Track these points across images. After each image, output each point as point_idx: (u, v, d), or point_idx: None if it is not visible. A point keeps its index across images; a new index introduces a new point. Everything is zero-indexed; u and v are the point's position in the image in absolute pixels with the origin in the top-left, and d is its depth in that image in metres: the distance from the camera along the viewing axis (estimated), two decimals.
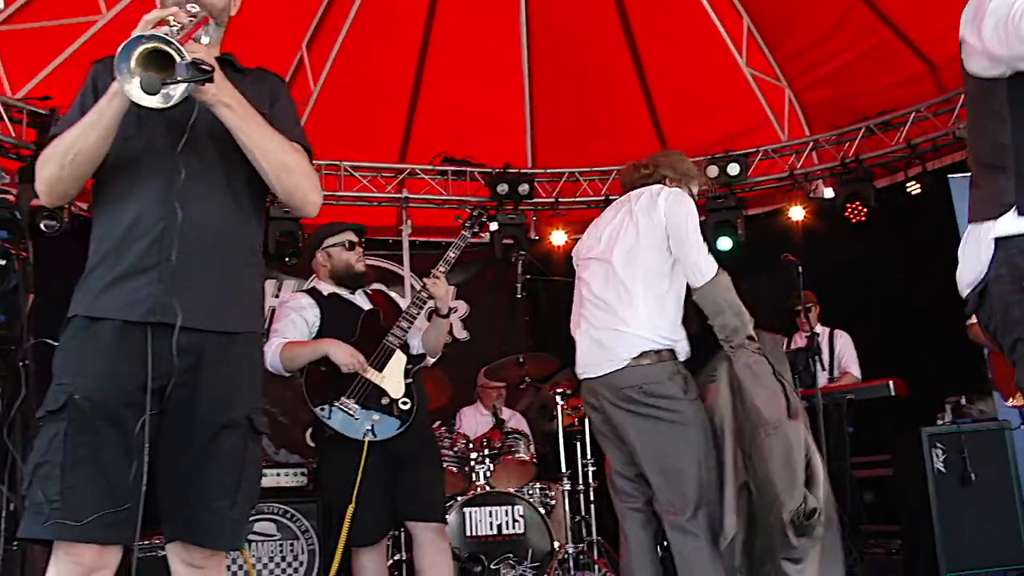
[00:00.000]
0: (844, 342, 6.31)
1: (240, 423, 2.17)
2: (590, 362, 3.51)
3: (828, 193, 7.38)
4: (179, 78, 1.94)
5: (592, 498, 5.64)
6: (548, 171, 8.14)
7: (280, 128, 2.23)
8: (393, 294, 4.33)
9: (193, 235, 2.13)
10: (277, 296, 7.62)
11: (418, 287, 4.00)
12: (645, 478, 3.40)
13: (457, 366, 7.04)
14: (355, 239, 4.08)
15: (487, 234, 4.13)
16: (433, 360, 4.35)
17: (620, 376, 3.38)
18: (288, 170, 2.21)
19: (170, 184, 2.13)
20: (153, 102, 1.97)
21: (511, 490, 5.37)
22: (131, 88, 1.95)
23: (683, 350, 3.45)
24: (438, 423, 5.81)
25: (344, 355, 3.70)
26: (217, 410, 2.15)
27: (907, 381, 5.34)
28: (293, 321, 3.84)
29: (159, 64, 1.96)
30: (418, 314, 3.94)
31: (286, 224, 7.26)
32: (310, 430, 4.85)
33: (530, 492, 5.52)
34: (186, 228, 2.11)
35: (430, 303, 3.97)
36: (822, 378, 5.49)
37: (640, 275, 3.43)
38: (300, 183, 2.24)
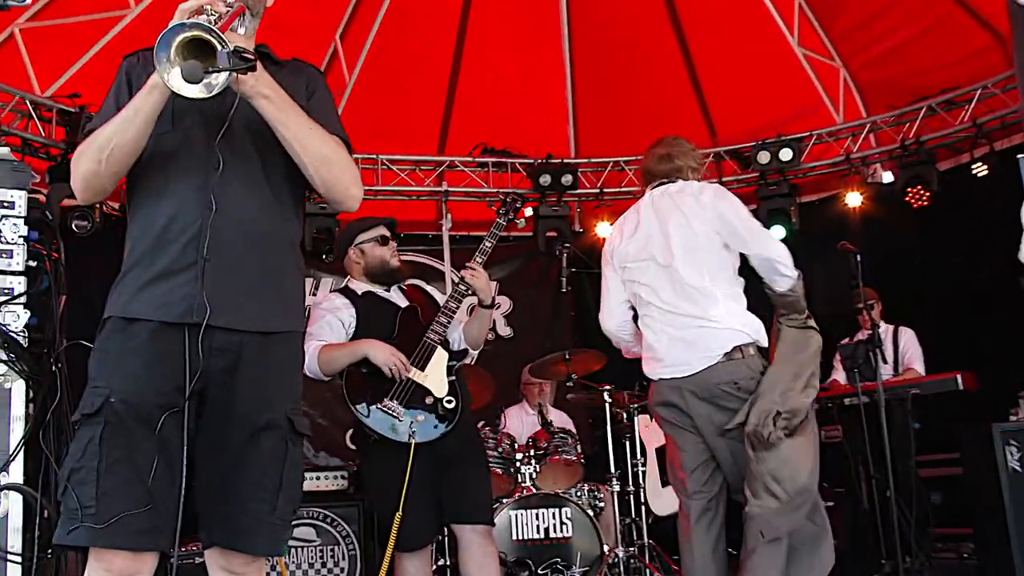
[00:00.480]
0: (908, 338, 6.27)
1: (280, 424, 2.17)
2: (675, 361, 3.53)
3: (887, 177, 7.28)
4: (221, 67, 1.92)
5: (643, 499, 5.63)
6: (592, 160, 8.12)
7: (318, 120, 2.23)
8: (430, 289, 4.45)
9: (231, 231, 2.13)
10: (315, 295, 7.67)
11: (456, 280, 3.97)
12: (717, 472, 3.48)
13: (501, 364, 6.98)
14: (388, 233, 4.08)
15: (522, 220, 4.10)
16: (475, 353, 4.32)
17: (713, 373, 3.41)
18: (328, 162, 2.21)
19: (207, 180, 2.14)
20: (194, 92, 1.97)
21: (558, 492, 5.36)
22: (171, 78, 1.95)
23: (764, 342, 3.51)
24: (482, 423, 5.80)
25: (384, 355, 3.69)
26: (255, 411, 2.14)
27: (975, 373, 5.29)
28: (328, 323, 3.84)
29: (199, 54, 1.95)
30: (457, 308, 3.93)
31: (322, 220, 7.26)
32: (350, 432, 4.95)
33: (578, 494, 5.50)
34: (223, 224, 2.12)
35: (471, 298, 3.96)
36: (884, 372, 5.43)
37: (712, 277, 3.48)
38: (340, 176, 2.24)
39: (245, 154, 2.21)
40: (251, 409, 2.15)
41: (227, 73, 1.95)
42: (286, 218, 2.28)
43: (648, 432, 5.84)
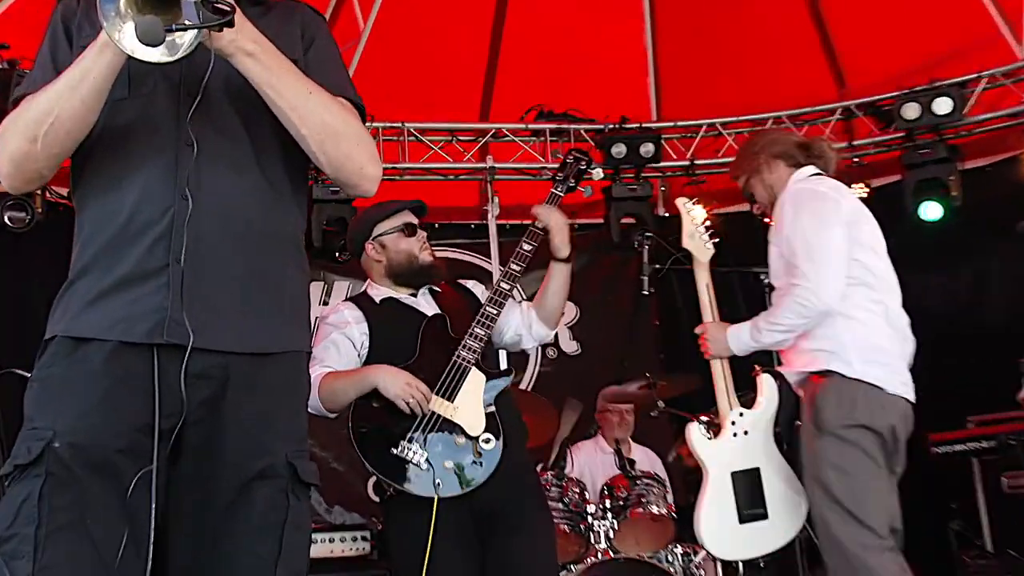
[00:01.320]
0: None
1: (279, 472, 2.18)
2: (908, 380, 3.82)
3: None
4: (187, 22, 1.91)
5: (762, 565, 5.40)
6: (679, 124, 8.07)
7: (319, 79, 2.24)
8: (471, 284, 4.31)
9: (210, 226, 2.14)
10: (326, 303, 7.78)
11: (502, 273, 4.03)
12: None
13: (565, 388, 6.95)
14: (415, 220, 4.11)
15: (587, 188, 4.34)
16: (551, 334, 4.28)
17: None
18: (335, 135, 2.23)
19: (177, 160, 2.15)
20: (155, 55, 1.94)
21: (643, 556, 5.38)
22: (123, 37, 1.91)
23: None
24: (541, 466, 5.88)
25: (398, 384, 3.73)
26: (247, 456, 2.16)
27: None
28: (335, 342, 3.90)
29: (159, 4, 1.94)
30: (499, 312, 3.96)
31: (333, 208, 7.25)
32: (372, 480, 5.15)
33: (669, 558, 5.52)
34: (200, 217, 2.12)
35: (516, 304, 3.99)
36: None
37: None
38: (352, 151, 2.26)
39: (226, 126, 2.21)
40: (242, 453, 2.16)
41: (195, 30, 1.92)
42: (283, 207, 2.29)
43: None
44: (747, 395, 4.31)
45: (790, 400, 4.17)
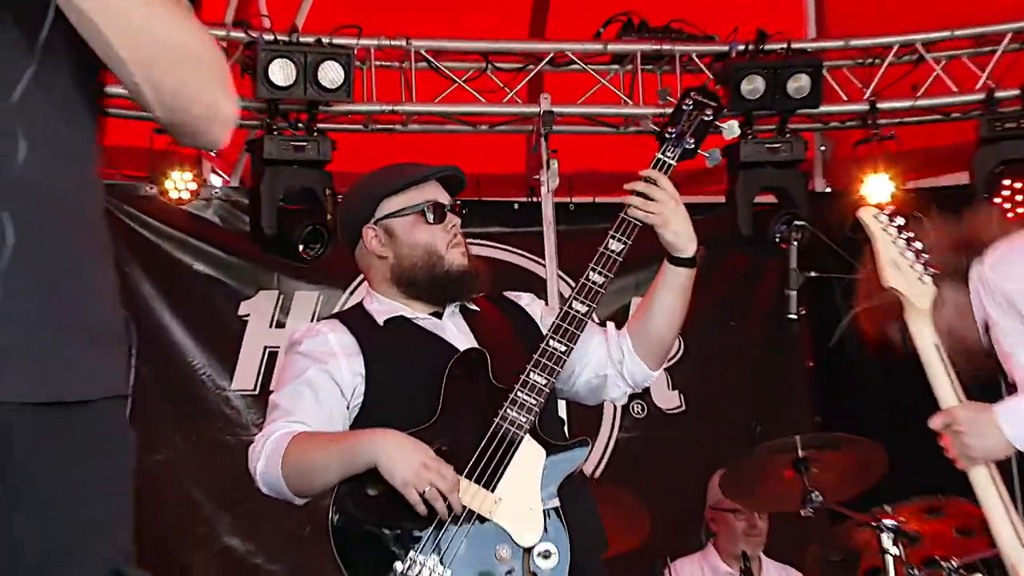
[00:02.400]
0: None
1: None
2: None
3: None
4: None
5: None
6: (853, 44, 8.06)
7: None
8: (525, 299, 4.38)
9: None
10: (281, 324, 7.93)
11: (572, 288, 4.10)
12: None
13: (662, 468, 7.53)
14: (444, 199, 4.13)
15: (713, 151, 4.32)
16: (654, 376, 4.33)
17: None
18: (174, 56, 2.28)
19: None
20: None
21: None
22: None
23: None
24: None
25: (408, 466, 3.76)
26: (40, 566, 2.18)
27: None
28: (311, 384, 3.97)
29: None
30: (569, 349, 3.95)
31: (294, 173, 7.29)
32: None
33: None
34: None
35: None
36: None
37: None
38: (199, 79, 2.32)
39: None
40: (31, 562, 2.18)
41: None
42: (79, 166, 2.35)
43: None
44: None
45: None
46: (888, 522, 5.62)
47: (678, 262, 4.07)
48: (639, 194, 4.03)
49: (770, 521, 6.53)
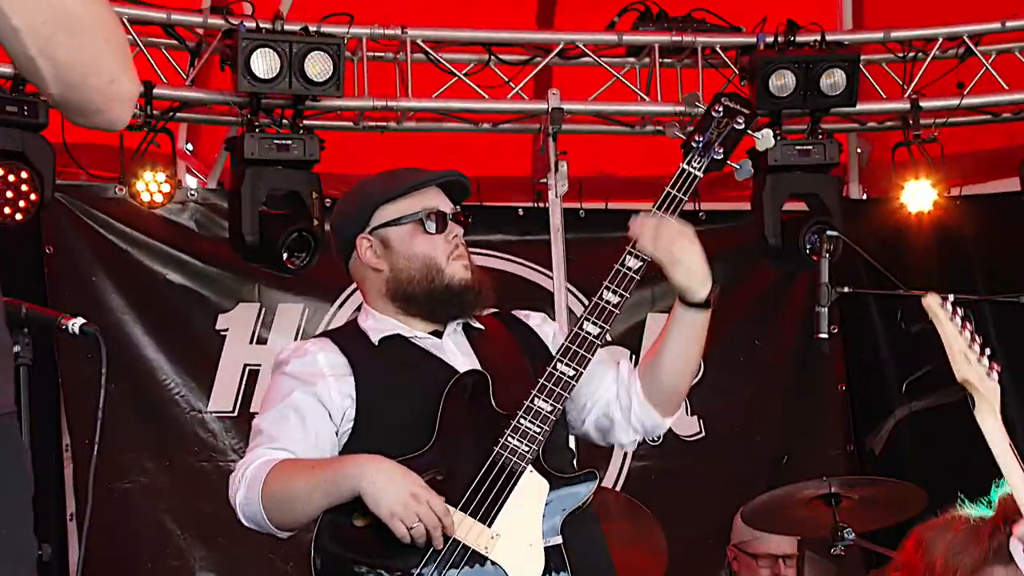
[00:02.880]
0: None
1: None
2: None
3: None
4: None
5: None
6: (893, 36, 8.00)
7: None
8: (534, 319, 4.40)
9: None
10: (263, 340, 7.96)
11: (584, 307, 4.10)
12: None
13: (678, 499, 7.51)
14: (446, 208, 4.14)
15: (743, 163, 4.24)
16: (666, 425, 4.36)
17: None
18: (70, 25, 2.25)
19: None
20: None
21: None
22: None
23: None
24: None
25: (395, 496, 3.77)
26: None
27: None
28: (296, 408, 3.99)
29: None
30: (579, 375, 3.96)
31: (278, 175, 7.28)
32: None
33: None
34: None
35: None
36: None
37: None
38: (97, 52, 2.30)
39: None
40: None
41: None
42: None
43: None
44: None
45: None
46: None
47: (691, 305, 4.05)
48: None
49: (802, 559, 6.57)
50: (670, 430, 7.56)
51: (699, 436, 8.18)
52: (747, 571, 6.67)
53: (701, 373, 7.59)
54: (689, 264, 3.97)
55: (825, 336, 5.32)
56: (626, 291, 4.01)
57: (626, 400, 4.13)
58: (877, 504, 6.07)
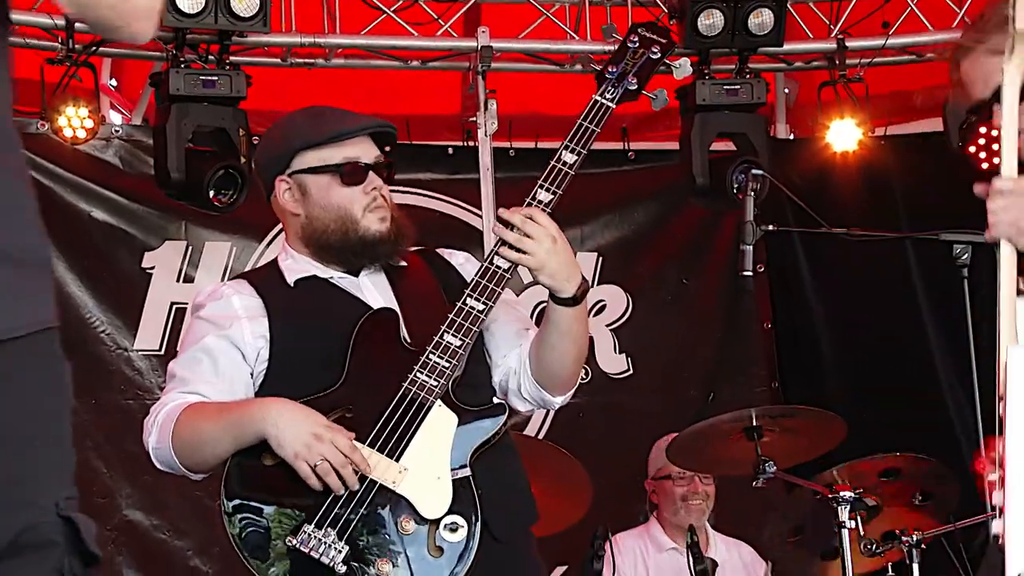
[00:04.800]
0: None
1: (47, 537, 2.23)
2: None
3: None
4: None
5: None
6: None
7: None
8: (459, 258, 4.44)
9: None
10: (190, 279, 7.96)
11: (496, 242, 4.05)
12: None
13: (606, 436, 7.61)
14: (369, 157, 4.14)
15: (659, 92, 4.23)
16: (557, 402, 4.38)
17: None
18: None
19: None
20: None
21: None
22: None
23: None
24: (563, 570, 6.59)
25: (297, 437, 3.81)
26: None
27: None
28: (209, 351, 4.04)
29: None
30: (488, 308, 4.01)
31: (204, 111, 7.26)
32: None
33: None
34: None
35: (529, 275, 4.15)
36: None
37: None
38: None
39: None
40: None
41: None
42: None
43: None
44: None
45: None
46: (845, 493, 5.79)
47: (560, 301, 4.06)
48: (512, 227, 3.99)
49: (718, 493, 6.69)
50: (598, 367, 8.16)
51: (627, 373, 8.26)
52: (664, 496, 6.74)
53: (629, 312, 8.48)
54: (553, 267, 3.97)
55: (750, 274, 5.43)
56: (503, 278, 4.02)
57: (520, 376, 4.18)
58: (798, 435, 6.12)
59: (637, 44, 4.22)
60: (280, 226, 4.28)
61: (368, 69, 7.91)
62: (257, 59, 7.49)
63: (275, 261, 4.24)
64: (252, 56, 7.50)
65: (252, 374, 3.98)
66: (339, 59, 7.72)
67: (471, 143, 7.92)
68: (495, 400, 4.16)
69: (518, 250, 3.93)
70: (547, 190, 3.99)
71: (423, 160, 8.10)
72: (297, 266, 4.12)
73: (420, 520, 3.80)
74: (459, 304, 3.94)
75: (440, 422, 3.88)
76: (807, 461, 6.28)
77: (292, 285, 4.08)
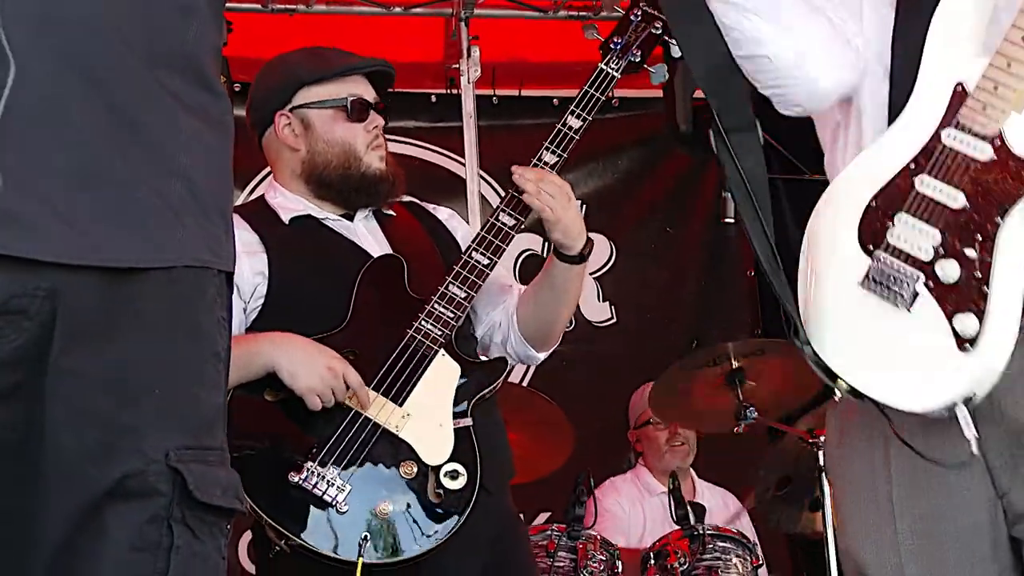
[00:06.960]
0: None
1: (151, 485, 2.19)
2: None
3: None
4: None
5: None
6: None
7: None
8: (444, 213, 4.54)
9: (24, 37, 2.07)
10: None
11: (501, 198, 4.20)
12: None
13: (589, 384, 7.61)
14: (369, 97, 4.22)
15: (660, 69, 4.36)
16: (540, 358, 4.53)
17: None
18: None
19: None
20: None
21: None
22: None
23: None
24: (546, 516, 6.56)
25: (311, 370, 3.86)
26: (95, 454, 2.17)
27: None
28: None
29: None
30: (492, 263, 4.10)
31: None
32: (248, 536, 5.18)
33: None
34: (18, 34, 2.07)
35: (527, 235, 4.24)
36: None
37: None
38: None
39: None
40: (83, 450, 2.16)
41: None
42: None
43: None
44: None
45: None
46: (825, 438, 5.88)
47: (565, 259, 4.19)
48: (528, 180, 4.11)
49: (703, 449, 6.88)
50: (581, 315, 8.20)
51: (611, 321, 8.36)
52: (648, 442, 6.92)
53: (612, 260, 8.59)
54: (567, 223, 4.10)
55: (732, 221, 5.53)
56: (507, 235, 4.14)
57: (506, 331, 4.33)
58: (782, 380, 6.20)
59: (639, 18, 4.34)
60: (262, 175, 4.57)
61: (350, 15, 7.89)
62: (238, 5, 7.48)
63: (262, 198, 4.31)
64: (232, 2, 7.35)
65: (245, 310, 4.02)
66: (320, 5, 7.70)
67: (454, 91, 8.01)
68: (496, 348, 4.35)
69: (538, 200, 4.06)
70: (553, 152, 4.13)
71: (405, 108, 8.11)
72: (289, 204, 4.20)
73: (421, 465, 3.86)
74: (464, 257, 4.06)
75: (443, 371, 3.97)
76: (791, 413, 6.42)
77: (287, 223, 4.16)
